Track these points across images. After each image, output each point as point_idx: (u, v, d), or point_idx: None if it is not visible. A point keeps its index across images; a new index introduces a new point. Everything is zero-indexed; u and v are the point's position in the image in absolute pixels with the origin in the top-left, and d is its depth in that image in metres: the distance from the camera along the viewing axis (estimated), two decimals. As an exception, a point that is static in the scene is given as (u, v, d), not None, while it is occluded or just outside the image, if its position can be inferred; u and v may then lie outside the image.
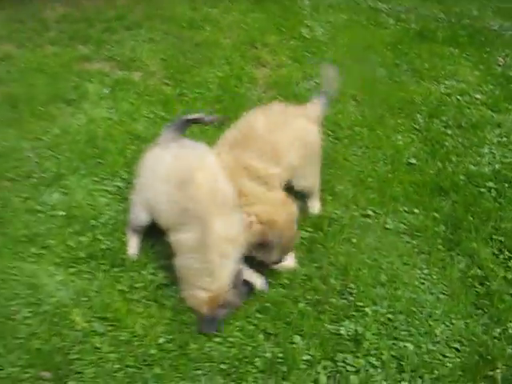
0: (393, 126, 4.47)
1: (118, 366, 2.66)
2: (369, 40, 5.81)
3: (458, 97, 4.89)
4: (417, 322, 2.93)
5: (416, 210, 3.64)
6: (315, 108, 3.56)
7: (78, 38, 5.98)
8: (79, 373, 2.62)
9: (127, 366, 2.67)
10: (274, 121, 3.31)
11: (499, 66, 5.41)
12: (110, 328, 2.84)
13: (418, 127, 4.48)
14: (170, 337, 2.80)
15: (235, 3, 6.73)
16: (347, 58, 5.40)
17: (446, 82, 5.12)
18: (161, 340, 2.79)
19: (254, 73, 5.20)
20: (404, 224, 3.55)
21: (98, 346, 2.75)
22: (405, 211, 3.65)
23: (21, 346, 2.73)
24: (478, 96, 4.91)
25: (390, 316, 2.95)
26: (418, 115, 4.63)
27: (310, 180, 3.51)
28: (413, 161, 4.10)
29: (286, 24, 6.10)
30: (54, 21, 6.50)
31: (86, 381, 2.58)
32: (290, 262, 3.21)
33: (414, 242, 3.44)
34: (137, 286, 3.05)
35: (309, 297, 3.05)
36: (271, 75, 5.18)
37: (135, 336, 2.80)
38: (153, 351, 2.72)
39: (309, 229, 3.47)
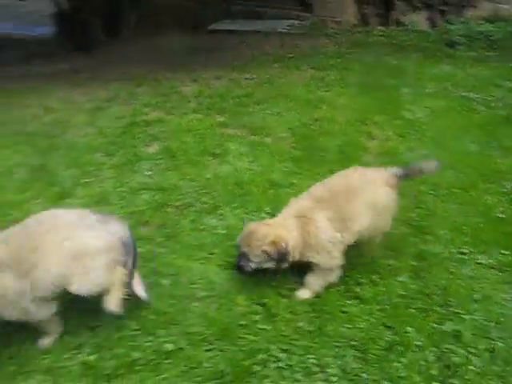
0: (483, 189, 5.23)
1: (273, 334, 3.60)
2: (463, 122, 6.65)
3: (542, 167, 5.59)
4: (506, 328, 3.67)
5: (504, 252, 4.37)
6: (393, 175, 4.12)
7: (215, 109, 7.29)
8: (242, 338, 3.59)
9: (282, 335, 3.59)
10: (353, 190, 3.95)
11: None
12: (263, 310, 3.79)
13: (505, 191, 5.22)
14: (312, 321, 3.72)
15: (345, 89, 7.86)
16: (445, 136, 6.26)
17: (530, 156, 5.85)
18: (301, 323, 3.71)
19: (365, 143, 6.17)
20: (493, 261, 4.28)
21: (256, 319, 3.72)
22: (494, 252, 4.37)
23: (200, 314, 3.78)
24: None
25: (483, 322, 3.69)
26: (505, 182, 5.36)
27: (374, 236, 4.19)
28: (501, 215, 4.84)
29: (389, 107, 7.10)
30: (192, 95, 7.89)
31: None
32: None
33: (502, 274, 4.15)
34: (286, 286, 4.00)
35: (417, 306, 3.86)
36: (380, 146, 6.13)
37: (282, 320, 3.72)
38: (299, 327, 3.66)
39: (414, 262, 4.28)
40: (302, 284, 3.98)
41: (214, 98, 7.70)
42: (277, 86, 8.22)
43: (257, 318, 3.73)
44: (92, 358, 3.50)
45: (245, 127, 6.67)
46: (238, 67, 9.47)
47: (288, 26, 12.53)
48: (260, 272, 3.92)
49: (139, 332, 3.66)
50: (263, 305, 3.82)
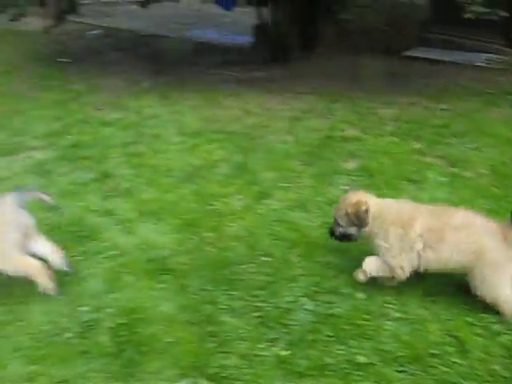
0: None
1: (466, 370, 3.52)
2: None
3: None
4: None
5: None
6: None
7: (412, 135, 7.31)
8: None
9: (475, 374, 3.51)
10: (465, 224, 3.84)
11: None
12: (456, 344, 3.73)
13: None
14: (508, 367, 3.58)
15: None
16: None
17: None
18: (496, 367, 3.59)
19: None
20: None
21: (448, 351, 3.67)
22: None
23: (392, 334, 3.82)
24: None
25: None
26: None
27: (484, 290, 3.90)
28: None
29: None
30: (388, 118, 7.97)
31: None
32: None
33: None
34: (481, 323, 3.90)
35: None
36: None
37: (475, 358, 3.64)
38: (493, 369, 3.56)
39: None
40: (497, 322, 3.91)
41: (410, 124, 7.73)
42: (474, 120, 8.03)
43: (449, 349, 3.68)
44: (285, 353, 3.67)
45: (442, 158, 6.62)
46: (431, 96, 9.35)
47: (486, 59, 12.15)
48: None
49: (332, 339, 3.77)
50: (456, 338, 3.77)
